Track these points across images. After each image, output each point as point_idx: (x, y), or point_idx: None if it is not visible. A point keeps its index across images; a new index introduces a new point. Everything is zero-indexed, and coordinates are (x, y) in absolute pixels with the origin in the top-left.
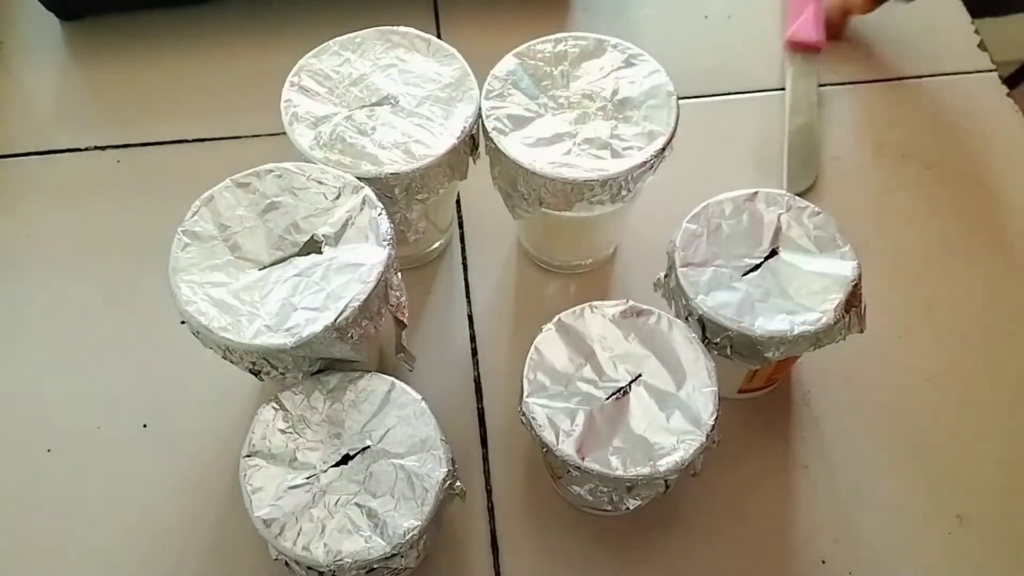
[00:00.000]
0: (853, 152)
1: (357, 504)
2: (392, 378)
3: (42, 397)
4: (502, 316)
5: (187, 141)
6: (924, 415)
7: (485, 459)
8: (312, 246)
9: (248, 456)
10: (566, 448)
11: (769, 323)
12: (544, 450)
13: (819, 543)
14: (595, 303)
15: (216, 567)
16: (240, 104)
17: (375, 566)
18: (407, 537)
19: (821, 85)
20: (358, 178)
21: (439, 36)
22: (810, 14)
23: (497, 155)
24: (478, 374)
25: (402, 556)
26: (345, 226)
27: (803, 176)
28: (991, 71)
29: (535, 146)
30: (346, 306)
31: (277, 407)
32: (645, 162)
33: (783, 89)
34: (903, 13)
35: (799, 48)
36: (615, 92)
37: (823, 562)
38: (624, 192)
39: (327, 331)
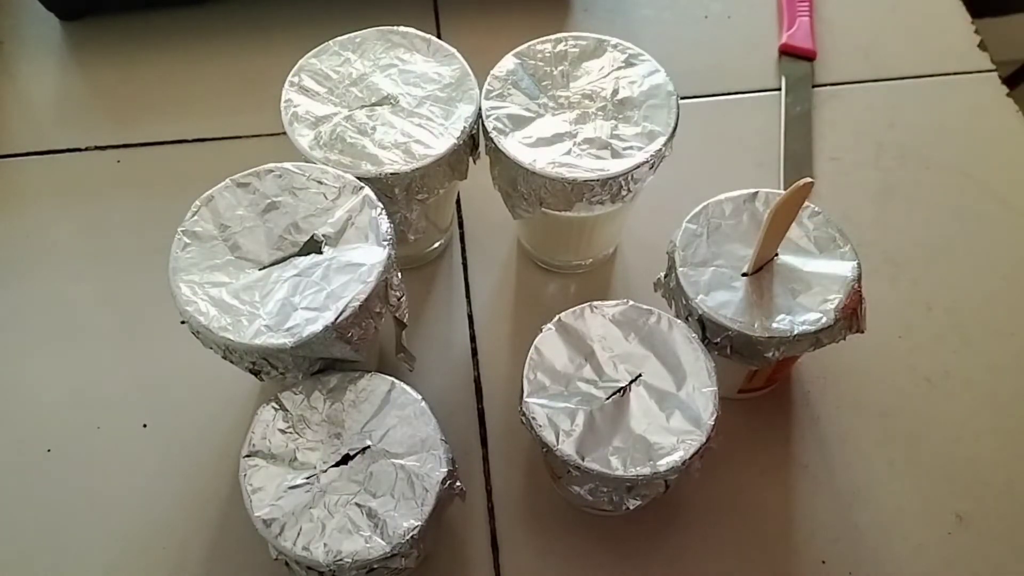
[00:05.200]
0: (853, 152)
1: (357, 504)
2: (392, 378)
3: (42, 397)
4: (502, 316)
5: (187, 141)
6: (924, 415)
7: (485, 459)
8: (312, 246)
9: (248, 456)
10: (566, 448)
11: (769, 323)
12: (544, 450)
13: (819, 543)
14: (595, 303)
15: (216, 567)
16: (240, 104)
17: (375, 566)
18: (407, 537)
19: (821, 85)
20: (358, 178)
21: (439, 36)
22: (805, 21)
23: (497, 155)
24: (478, 374)
25: (402, 556)
26: (345, 226)
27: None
28: (991, 71)
29: (535, 146)
30: (346, 306)
31: (277, 407)
32: (645, 162)
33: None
34: (902, 13)
35: (792, 54)
36: (615, 92)
37: (823, 562)
38: (624, 192)
39: (327, 331)
